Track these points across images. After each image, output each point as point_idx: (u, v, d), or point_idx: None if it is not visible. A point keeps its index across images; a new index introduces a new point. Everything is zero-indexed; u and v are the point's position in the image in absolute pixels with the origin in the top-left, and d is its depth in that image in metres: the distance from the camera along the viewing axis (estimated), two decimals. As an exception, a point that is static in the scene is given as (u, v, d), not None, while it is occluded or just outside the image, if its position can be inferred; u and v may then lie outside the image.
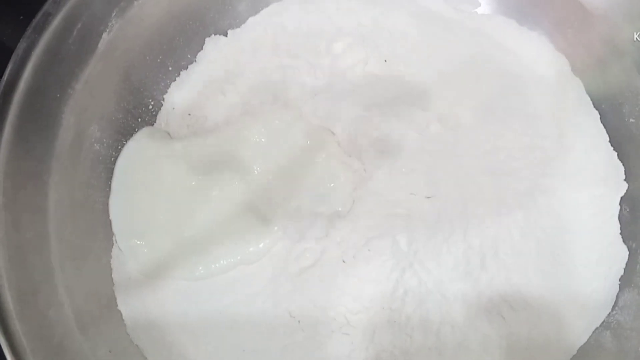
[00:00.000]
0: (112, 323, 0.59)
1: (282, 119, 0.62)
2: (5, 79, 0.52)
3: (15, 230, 0.52)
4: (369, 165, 0.61)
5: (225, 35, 0.69)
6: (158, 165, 0.62)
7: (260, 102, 0.65)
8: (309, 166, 0.61)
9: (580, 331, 0.58)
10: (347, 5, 0.68)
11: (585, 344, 0.58)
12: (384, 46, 0.66)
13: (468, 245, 0.57)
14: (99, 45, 0.59)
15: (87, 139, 0.61)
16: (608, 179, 0.61)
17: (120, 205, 0.62)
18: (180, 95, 0.67)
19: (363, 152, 0.61)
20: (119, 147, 0.64)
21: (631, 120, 0.61)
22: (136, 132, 0.65)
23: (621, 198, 0.60)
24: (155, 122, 0.67)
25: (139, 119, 0.66)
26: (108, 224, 0.61)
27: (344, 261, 0.58)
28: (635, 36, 0.59)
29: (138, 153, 0.63)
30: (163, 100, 0.68)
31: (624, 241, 0.60)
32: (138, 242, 0.60)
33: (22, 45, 0.53)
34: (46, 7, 0.54)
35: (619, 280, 0.59)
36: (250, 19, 0.69)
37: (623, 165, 0.61)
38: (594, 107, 0.64)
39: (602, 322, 0.58)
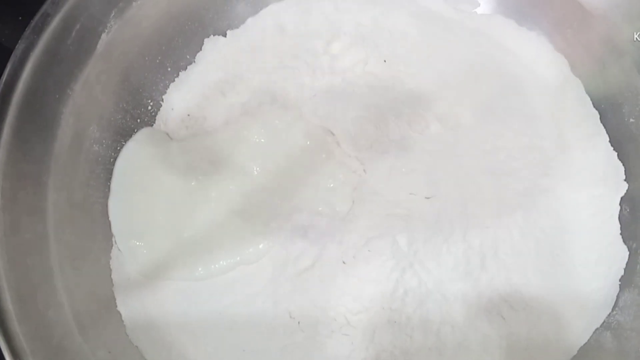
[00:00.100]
0: (112, 324, 0.59)
1: (281, 120, 0.62)
2: (3, 79, 0.52)
3: (14, 232, 0.52)
4: (369, 166, 0.61)
5: (224, 35, 0.69)
6: (157, 166, 0.61)
7: (260, 102, 0.64)
8: (308, 166, 0.61)
9: (580, 331, 0.58)
10: (347, 5, 0.68)
11: (585, 344, 0.58)
12: (383, 46, 0.66)
13: (468, 246, 0.57)
14: (98, 46, 0.59)
15: (86, 139, 0.61)
16: (608, 179, 0.61)
17: (120, 206, 0.61)
18: (179, 96, 0.67)
19: (363, 152, 0.61)
20: (118, 148, 0.63)
21: (631, 120, 0.61)
22: (135, 132, 0.65)
23: (621, 198, 0.60)
24: (154, 122, 0.67)
25: (138, 120, 0.66)
26: (107, 224, 0.61)
27: (344, 261, 0.58)
28: (635, 36, 0.59)
29: (137, 154, 0.63)
30: (162, 101, 0.68)
31: (624, 241, 0.60)
32: (137, 243, 0.60)
33: (20, 46, 0.53)
34: (45, 7, 0.54)
35: (619, 280, 0.59)
36: (250, 20, 0.69)
37: (623, 165, 0.61)
38: (594, 107, 0.64)
39: (603, 323, 0.58)
